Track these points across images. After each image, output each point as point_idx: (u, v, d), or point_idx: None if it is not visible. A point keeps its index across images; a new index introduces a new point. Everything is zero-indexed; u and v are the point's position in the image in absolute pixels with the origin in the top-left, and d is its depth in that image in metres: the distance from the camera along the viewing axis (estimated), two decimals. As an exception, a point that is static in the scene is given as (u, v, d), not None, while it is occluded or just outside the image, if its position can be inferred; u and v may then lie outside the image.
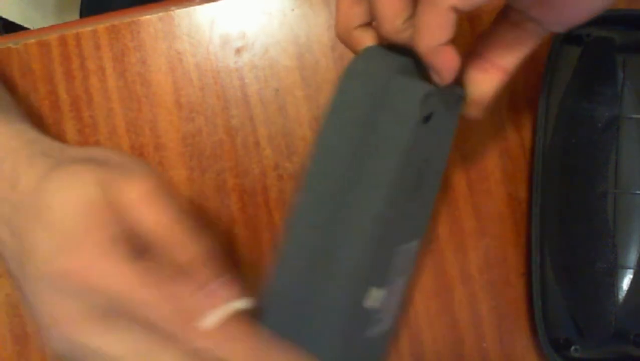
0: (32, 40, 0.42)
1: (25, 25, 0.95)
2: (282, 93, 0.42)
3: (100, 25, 0.42)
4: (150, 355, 0.26)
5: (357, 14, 0.31)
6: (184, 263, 0.28)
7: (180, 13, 0.42)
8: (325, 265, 0.29)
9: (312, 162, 0.30)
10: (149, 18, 0.42)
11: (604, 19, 0.39)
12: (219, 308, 0.27)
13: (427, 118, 0.29)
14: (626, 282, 0.39)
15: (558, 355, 0.39)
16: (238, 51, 0.42)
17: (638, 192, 0.39)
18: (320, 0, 0.42)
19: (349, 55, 0.42)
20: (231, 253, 0.41)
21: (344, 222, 0.29)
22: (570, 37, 0.40)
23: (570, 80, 0.41)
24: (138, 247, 0.28)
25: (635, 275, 0.38)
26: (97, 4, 0.68)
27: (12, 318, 0.41)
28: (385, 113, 0.29)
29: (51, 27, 0.43)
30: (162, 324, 0.26)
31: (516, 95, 0.42)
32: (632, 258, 0.39)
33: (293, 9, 0.42)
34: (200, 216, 0.41)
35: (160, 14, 0.42)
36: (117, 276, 0.26)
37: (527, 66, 0.42)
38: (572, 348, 0.39)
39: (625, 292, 0.38)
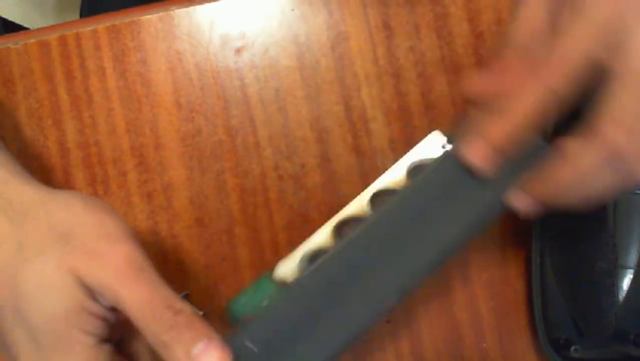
0: (32, 40, 0.42)
1: (25, 25, 0.95)
2: (282, 93, 0.42)
3: (100, 25, 0.42)
4: None
5: None
6: (166, 337, 0.28)
7: (180, 13, 0.42)
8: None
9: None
10: (149, 18, 0.42)
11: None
12: None
13: None
14: (626, 282, 0.38)
15: (558, 355, 0.39)
16: (238, 51, 0.42)
17: (638, 192, 0.39)
18: (320, 1, 0.42)
19: (349, 55, 0.42)
20: (231, 253, 0.42)
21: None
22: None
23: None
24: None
25: (635, 275, 0.38)
26: (97, 4, 0.68)
27: (12, 318, 0.41)
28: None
29: (51, 27, 0.43)
30: None
31: (516, 95, 0.42)
32: (632, 258, 0.39)
33: (292, 9, 0.42)
34: (200, 216, 0.41)
35: (160, 14, 0.42)
36: None
37: (527, 66, 0.42)
38: (572, 348, 0.39)
39: (625, 292, 0.38)
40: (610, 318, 0.38)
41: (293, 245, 0.42)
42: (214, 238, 0.42)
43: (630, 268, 0.38)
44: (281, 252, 0.42)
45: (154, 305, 0.28)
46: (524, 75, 0.29)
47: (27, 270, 0.29)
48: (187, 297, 0.41)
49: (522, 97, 0.29)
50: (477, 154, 0.30)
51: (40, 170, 0.41)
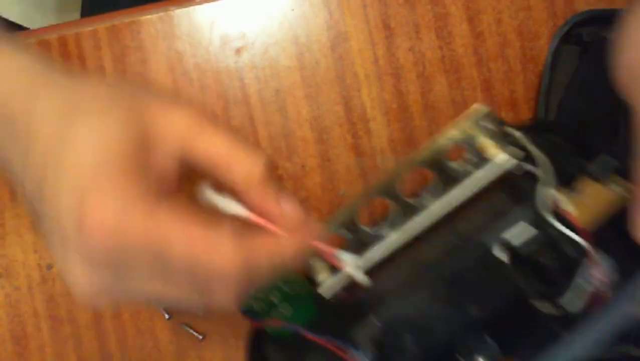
0: (32, 40, 0.42)
1: (25, 25, 0.95)
2: (282, 93, 0.42)
3: (100, 25, 0.42)
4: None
5: None
6: (246, 179, 0.26)
7: (180, 13, 0.42)
8: None
9: None
10: (149, 18, 0.42)
11: (604, 18, 0.39)
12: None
13: None
14: (626, 282, 0.38)
15: (558, 355, 0.39)
16: (238, 51, 0.42)
17: None
18: (320, 1, 0.42)
19: (349, 55, 0.42)
20: (231, 253, 0.41)
21: None
22: (570, 37, 0.40)
23: (570, 80, 0.41)
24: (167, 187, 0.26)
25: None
26: (97, 4, 0.68)
27: (12, 318, 0.41)
28: None
29: (51, 27, 0.43)
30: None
31: (516, 95, 0.42)
32: (632, 258, 0.38)
33: (293, 9, 0.42)
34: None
35: (160, 14, 0.42)
36: (139, 222, 0.23)
37: (527, 66, 0.42)
38: (572, 348, 0.38)
39: (625, 292, 0.38)
40: (610, 318, 0.38)
41: (293, 245, 0.42)
42: (214, 238, 0.41)
43: (630, 268, 0.38)
44: (281, 251, 0.41)
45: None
46: None
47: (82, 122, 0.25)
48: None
49: None
50: None
51: (41, 170, 0.41)
